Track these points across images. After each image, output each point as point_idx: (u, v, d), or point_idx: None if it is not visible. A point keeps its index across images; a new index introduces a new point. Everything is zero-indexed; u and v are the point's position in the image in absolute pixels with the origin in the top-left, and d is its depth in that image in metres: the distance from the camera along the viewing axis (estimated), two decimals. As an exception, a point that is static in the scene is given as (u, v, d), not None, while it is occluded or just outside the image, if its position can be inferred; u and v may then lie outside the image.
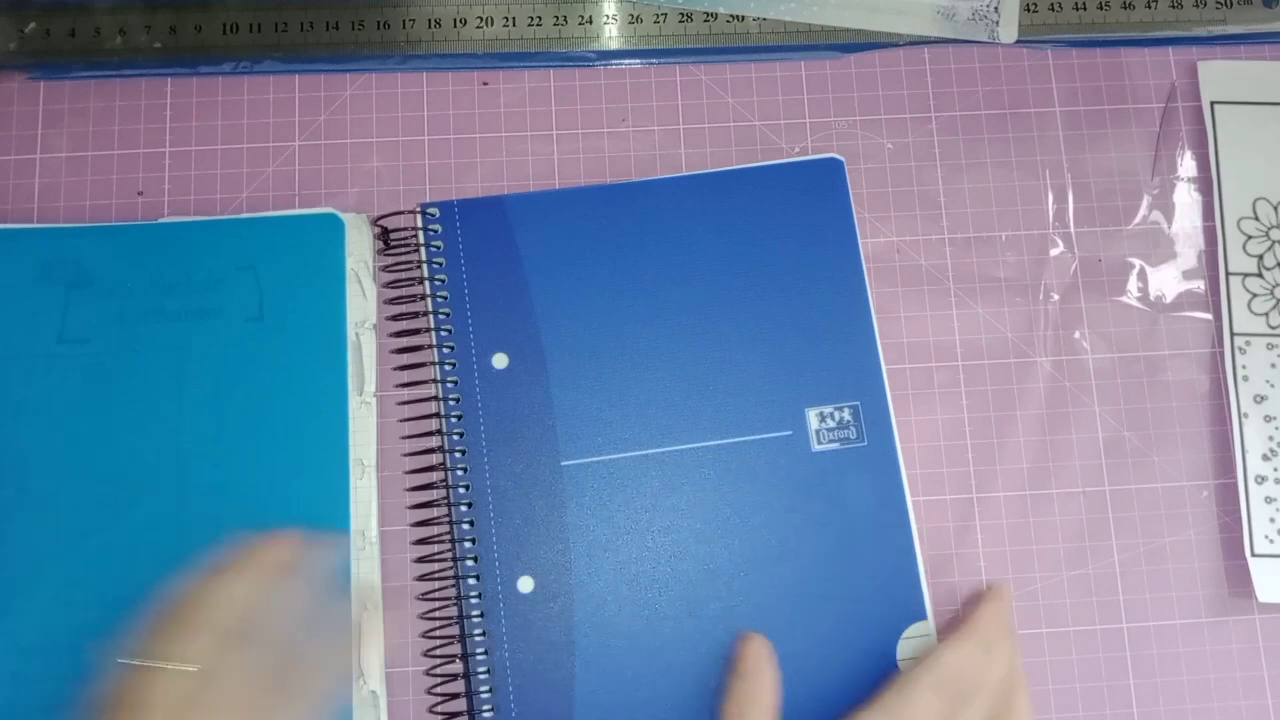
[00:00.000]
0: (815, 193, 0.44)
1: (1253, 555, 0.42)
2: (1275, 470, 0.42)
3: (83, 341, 0.41)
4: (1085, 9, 0.46)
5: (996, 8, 0.45)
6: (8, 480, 0.40)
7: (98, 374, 0.41)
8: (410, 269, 0.43)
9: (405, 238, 0.43)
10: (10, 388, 0.41)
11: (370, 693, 0.39)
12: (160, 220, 0.43)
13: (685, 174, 0.44)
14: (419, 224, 0.43)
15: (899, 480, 0.41)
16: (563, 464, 0.41)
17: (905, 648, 0.40)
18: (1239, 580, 0.42)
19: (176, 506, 0.40)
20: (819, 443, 0.41)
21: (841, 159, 0.44)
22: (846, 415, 0.42)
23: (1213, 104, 0.45)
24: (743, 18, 0.46)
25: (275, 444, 0.41)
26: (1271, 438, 0.42)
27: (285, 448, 0.41)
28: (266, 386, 0.41)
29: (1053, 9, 0.46)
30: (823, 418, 0.42)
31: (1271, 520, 0.42)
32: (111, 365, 0.41)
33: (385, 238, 0.43)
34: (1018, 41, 0.46)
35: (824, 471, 0.41)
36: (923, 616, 0.40)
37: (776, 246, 0.43)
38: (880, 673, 0.39)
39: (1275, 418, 0.43)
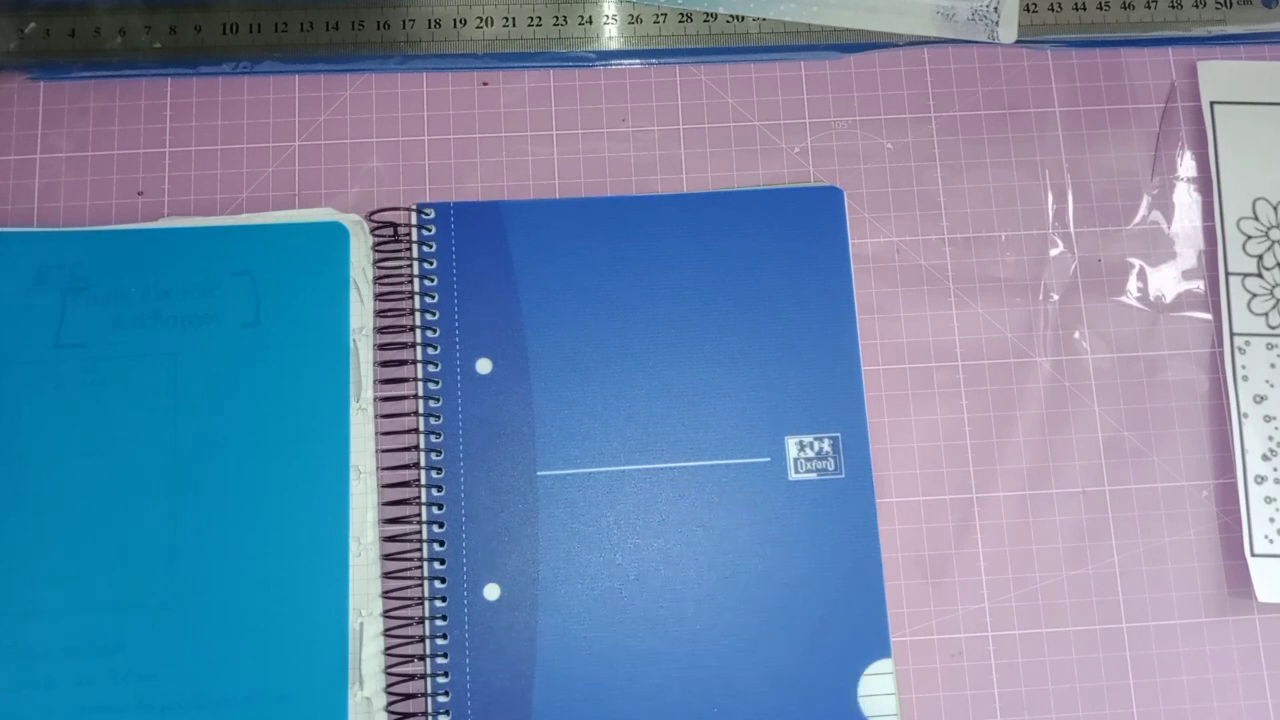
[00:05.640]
0: (812, 221, 0.43)
1: (1252, 555, 0.42)
2: (1275, 470, 0.42)
3: (79, 346, 0.41)
4: (1085, 9, 0.46)
5: (996, 8, 0.45)
6: (2, 484, 0.40)
7: (94, 378, 0.41)
8: (402, 267, 0.43)
9: (399, 235, 0.43)
10: (6, 392, 0.41)
11: (365, 699, 0.39)
12: (159, 222, 0.43)
13: (684, 192, 0.44)
14: (413, 222, 0.43)
15: (873, 515, 0.41)
16: (538, 474, 0.41)
17: (866, 684, 0.40)
18: (1239, 580, 0.42)
19: (172, 511, 0.40)
20: (796, 472, 0.41)
21: (841, 189, 0.44)
22: (826, 446, 0.42)
23: (1212, 104, 0.45)
24: (743, 18, 0.46)
25: (272, 450, 0.41)
26: (1271, 438, 0.43)
27: (283, 454, 0.40)
28: (263, 392, 0.41)
29: (1052, 9, 0.46)
30: (802, 447, 0.41)
31: (1271, 520, 0.42)
32: (108, 370, 0.41)
33: (378, 234, 0.43)
34: (1017, 42, 0.46)
35: (799, 501, 0.41)
36: (886, 654, 0.40)
37: (769, 272, 0.43)
38: (840, 707, 0.39)
39: (1275, 418, 0.43)
